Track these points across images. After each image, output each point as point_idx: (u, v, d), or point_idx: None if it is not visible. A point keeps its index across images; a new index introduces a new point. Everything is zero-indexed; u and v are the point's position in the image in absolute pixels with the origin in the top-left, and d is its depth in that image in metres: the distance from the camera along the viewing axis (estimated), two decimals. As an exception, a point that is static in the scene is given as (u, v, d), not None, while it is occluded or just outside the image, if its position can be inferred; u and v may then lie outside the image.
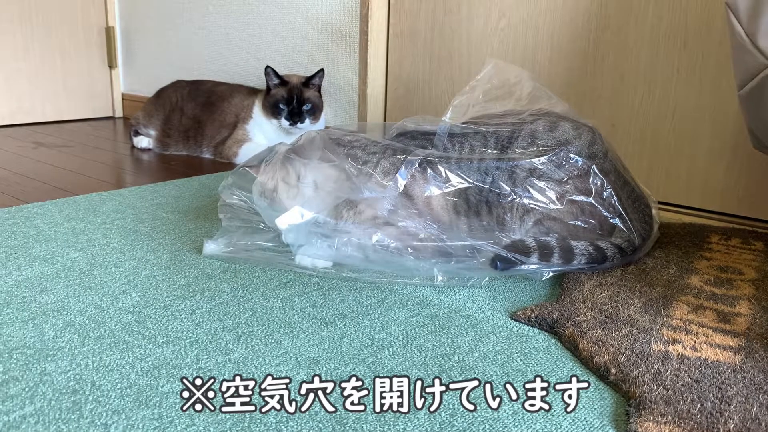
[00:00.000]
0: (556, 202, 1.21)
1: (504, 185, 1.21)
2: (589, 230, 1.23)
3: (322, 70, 2.22)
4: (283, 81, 2.18)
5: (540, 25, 1.87)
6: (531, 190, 1.21)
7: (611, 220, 1.24)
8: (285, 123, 2.17)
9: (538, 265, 1.16)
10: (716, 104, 1.62)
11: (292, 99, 2.16)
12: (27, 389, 0.80)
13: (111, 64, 3.17)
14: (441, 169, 1.22)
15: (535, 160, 1.22)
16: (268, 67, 2.16)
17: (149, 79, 3.06)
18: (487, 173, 1.22)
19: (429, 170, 1.22)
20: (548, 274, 1.18)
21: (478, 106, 1.36)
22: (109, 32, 3.13)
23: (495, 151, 1.25)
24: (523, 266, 1.15)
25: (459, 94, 1.37)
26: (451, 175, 1.21)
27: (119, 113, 3.23)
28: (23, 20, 2.83)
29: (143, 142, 2.42)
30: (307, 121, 2.18)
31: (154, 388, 0.81)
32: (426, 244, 1.18)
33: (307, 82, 2.20)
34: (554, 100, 1.37)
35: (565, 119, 1.29)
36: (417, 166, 1.22)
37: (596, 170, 1.23)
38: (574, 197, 1.22)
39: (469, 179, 1.22)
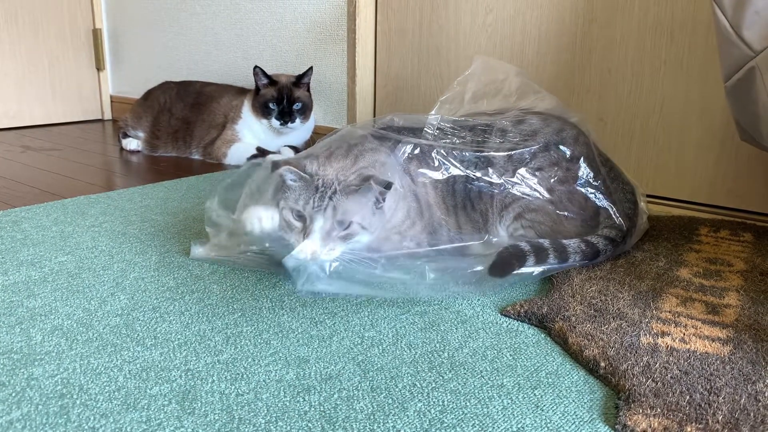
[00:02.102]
0: (543, 189, 1.22)
1: (491, 174, 1.22)
2: (573, 219, 1.24)
3: (311, 68, 2.21)
4: (272, 80, 2.18)
5: (527, 19, 1.87)
6: (517, 179, 1.22)
7: (598, 204, 1.25)
8: (275, 123, 2.16)
9: (534, 268, 1.15)
10: (703, 97, 1.62)
11: (282, 98, 2.16)
12: (14, 394, 0.80)
13: (99, 67, 3.15)
14: (436, 156, 1.22)
15: (523, 150, 1.22)
16: (256, 67, 2.16)
17: (137, 80, 3.04)
18: (471, 163, 1.23)
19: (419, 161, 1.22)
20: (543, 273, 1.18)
21: (468, 106, 1.36)
22: (96, 34, 3.11)
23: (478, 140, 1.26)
24: (521, 270, 1.15)
25: (447, 90, 1.36)
26: (441, 161, 1.21)
27: (108, 115, 3.21)
28: (9, 23, 2.81)
29: (132, 144, 2.41)
30: (298, 120, 2.18)
31: (143, 390, 0.81)
32: (417, 251, 1.16)
33: (298, 81, 2.20)
34: (542, 95, 1.37)
35: (544, 115, 1.32)
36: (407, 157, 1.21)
37: (582, 162, 1.25)
38: (558, 187, 1.23)
39: (459, 166, 1.22)
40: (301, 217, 1.08)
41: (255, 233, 1.10)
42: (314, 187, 1.07)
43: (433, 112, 1.31)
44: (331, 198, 1.06)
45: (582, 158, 1.27)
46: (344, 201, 1.07)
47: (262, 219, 1.11)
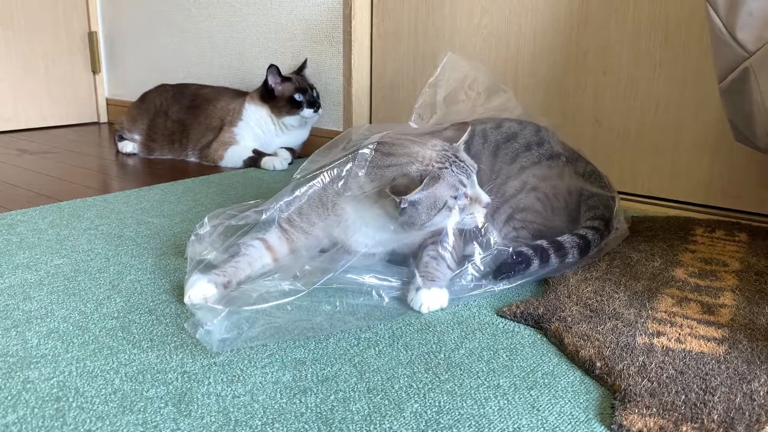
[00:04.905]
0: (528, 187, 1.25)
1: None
2: (561, 214, 1.28)
3: (306, 60, 2.29)
4: (284, 78, 2.21)
5: (523, 21, 1.87)
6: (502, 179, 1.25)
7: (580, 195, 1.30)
8: (308, 112, 2.20)
9: (538, 270, 1.16)
10: (698, 98, 1.63)
11: (306, 88, 2.21)
12: (9, 397, 0.80)
13: (95, 69, 3.15)
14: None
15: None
16: (272, 65, 2.17)
17: (133, 83, 3.04)
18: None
19: None
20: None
21: (440, 110, 1.36)
22: (92, 37, 3.11)
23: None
24: (526, 272, 1.16)
25: (420, 95, 1.36)
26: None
27: (104, 118, 3.21)
28: (5, 26, 2.81)
29: (128, 146, 2.40)
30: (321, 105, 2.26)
31: (139, 393, 0.81)
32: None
33: (300, 72, 2.26)
34: (509, 95, 1.39)
35: (518, 119, 1.36)
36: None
37: (561, 157, 1.31)
38: (541, 184, 1.27)
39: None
40: (454, 197, 1.08)
41: (189, 305, 1.05)
42: (442, 169, 1.07)
43: (412, 121, 1.31)
44: (461, 160, 1.10)
45: (561, 154, 1.31)
46: (463, 156, 1.12)
47: (192, 295, 1.04)
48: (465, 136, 1.15)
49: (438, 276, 1.09)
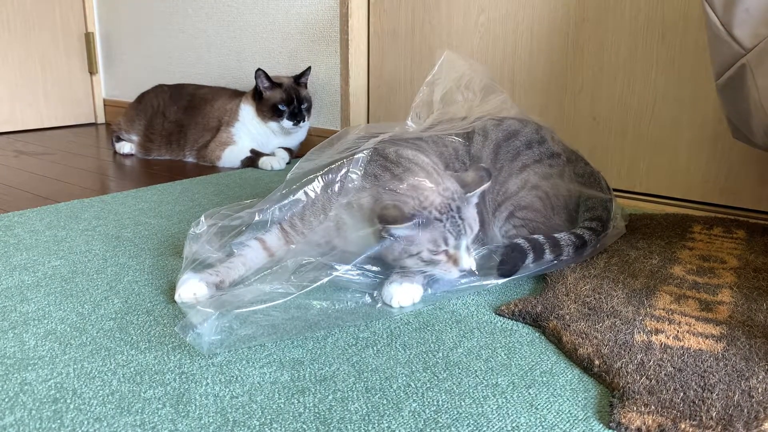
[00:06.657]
0: (529, 186, 1.25)
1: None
2: (560, 213, 1.27)
3: (309, 68, 2.25)
4: (274, 83, 2.19)
5: (520, 19, 1.87)
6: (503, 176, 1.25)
7: (579, 195, 1.30)
8: (288, 123, 2.19)
9: (535, 265, 1.16)
10: (695, 95, 1.63)
11: (292, 99, 2.19)
12: (7, 399, 0.79)
13: (92, 70, 3.15)
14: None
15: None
16: (259, 69, 2.16)
17: (130, 84, 3.04)
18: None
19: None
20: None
21: (437, 109, 1.35)
22: (88, 38, 3.10)
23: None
24: (525, 268, 1.15)
25: (418, 93, 1.36)
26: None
27: (101, 119, 3.21)
28: (1, 28, 2.80)
29: (125, 147, 2.40)
30: (306, 119, 2.22)
31: (137, 394, 0.81)
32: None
33: (297, 81, 2.23)
34: (505, 96, 1.39)
35: (518, 117, 1.36)
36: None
37: (562, 157, 1.31)
38: (543, 182, 1.26)
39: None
40: (433, 251, 1.04)
41: (179, 303, 1.05)
42: (436, 219, 1.03)
43: (408, 121, 1.31)
44: (461, 218, 1.05)
45: (561, 154, 1.32)
46: (468, 213, 1.07)
47: (182, 293, 1.05)
48: (484, 186, 1.10)
49: (411, 271, 1.08)
